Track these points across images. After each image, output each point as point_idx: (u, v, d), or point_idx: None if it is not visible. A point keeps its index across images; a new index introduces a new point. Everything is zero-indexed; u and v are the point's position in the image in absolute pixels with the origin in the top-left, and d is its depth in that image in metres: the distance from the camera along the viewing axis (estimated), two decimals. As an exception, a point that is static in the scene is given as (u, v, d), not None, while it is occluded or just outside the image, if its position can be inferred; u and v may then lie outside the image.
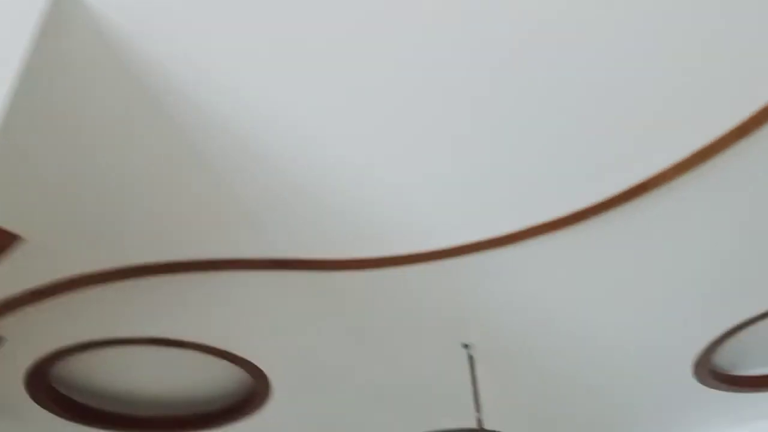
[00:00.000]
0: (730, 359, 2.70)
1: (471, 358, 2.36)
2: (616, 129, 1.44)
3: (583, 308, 2.17)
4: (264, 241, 1.65)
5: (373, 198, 1.58)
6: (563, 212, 1.67)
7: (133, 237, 1.59)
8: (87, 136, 1.35)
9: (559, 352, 2.42)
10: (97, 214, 1.52)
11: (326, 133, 1.39)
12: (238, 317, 2.06)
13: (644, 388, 2.72)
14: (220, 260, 1.67)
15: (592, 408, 2.86)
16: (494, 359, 2.43)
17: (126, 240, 1.60)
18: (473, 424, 2.53)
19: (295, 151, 1.42)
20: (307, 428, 2.82)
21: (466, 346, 2.34)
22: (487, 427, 2.80)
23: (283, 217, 1.59)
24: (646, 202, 1.65)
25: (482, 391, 2.54)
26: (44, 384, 2.29)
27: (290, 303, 1.99)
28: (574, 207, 1.65)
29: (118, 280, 1.70)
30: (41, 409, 2.40)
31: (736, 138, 1.46)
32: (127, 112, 1.30)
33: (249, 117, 1.32)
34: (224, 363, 2.41)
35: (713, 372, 2.66)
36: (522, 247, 1.82)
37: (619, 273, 2.00)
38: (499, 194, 1.61)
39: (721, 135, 1.45)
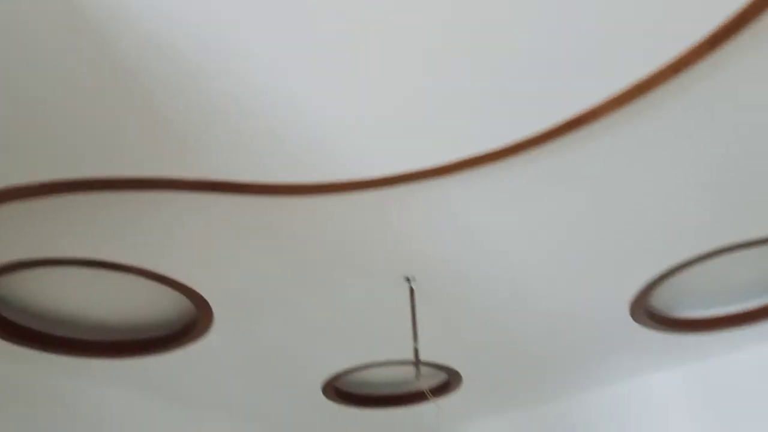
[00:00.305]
0: (667, 301, 2.77)
1: (412, 291, 2.38)
2: (556, 60, 1.41)
3: (523, 244, 2.19)
4: (194, 162, 1.61)
5: (308, 123, 1.54)
6: (503, 143, 1.66)
7: (56, 150, 1.54)
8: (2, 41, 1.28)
9: (498, 288, 2.45)
10: (17, 124, 1.46)
11: (258, 51, 1.34)
12: (175, 242, 2.03)
13: (582, 327, 2.79)
14: (150, 179, 1.63)
15: (530, 344, 2.93)
16: (435, 293, 2.45)
17: (49, 152, 1.55)
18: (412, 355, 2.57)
19: (224, 68, 1.37)
20: (249, 357, 2.84)
21: (407, 279, 2.36)
22: (424, 357, 2.86)
23: (214, 138, 1.55)
24: (582, 137, 1.64)
25: (422, 324, 2.58)
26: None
27: (226, 229, 1.97)
28: (513, 138, 1.64)
29: (44, 195, 1.66)
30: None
31: (673, 72, 1.45)
32: (45, 16, 1.23)
33: (177, 32, 1.26)
34: (166, 289, 2.39)
35: (649, 312, 2.74)
36: (463, 178, 1.81)
37: (558, 210, 2.01)
38: (438, 123, 1.59)
39: (657, 69, 1.43)
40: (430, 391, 3.41)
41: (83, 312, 2.54)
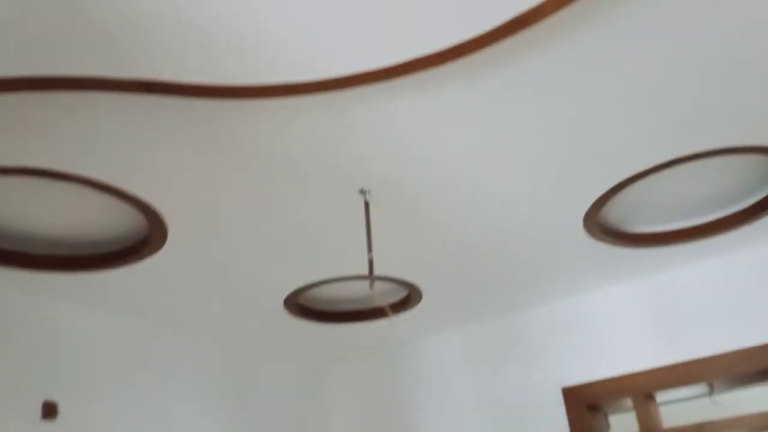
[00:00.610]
0: (620, 215, 2.82)
1: (367, 205, 2.38)
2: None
3: (475, 157, 2.19)
4: (127, 61, 1.55)
5: (254, 21, 1.49)
6: (446, 45, 1.62)
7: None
8: None
9: (452, 202, 2.46)
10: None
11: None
12: (121, 150, 1.98)
13: (537, 241, 2.84)
14: (83, 78, 1.57)
15: (486, 258, 2.98)
16: (391, 207, 2.46)
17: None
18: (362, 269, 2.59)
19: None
20: (207, 272, 2.84)
21: (362, 192, 2.36)
22: (382, 272, 2.89)
23: (150, 36, 1.49)
24: (528, 39, 1.61)
25: (377, 239, 2.59)
26: None
27: (172, 136, 1.92)
28: (458, 39, 1.60)
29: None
30: None
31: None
32: None
33: None
34: (118, 203, 2.36)
35: (603, 227, 2.78)
36: (410, 83, 1.78)
37: (507, 121, 2.00)
38: (387, 23, 1.54)
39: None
40: (391, 306, 3.47)
41: (36, 227, 2.50)
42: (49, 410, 2.81)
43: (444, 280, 3.18)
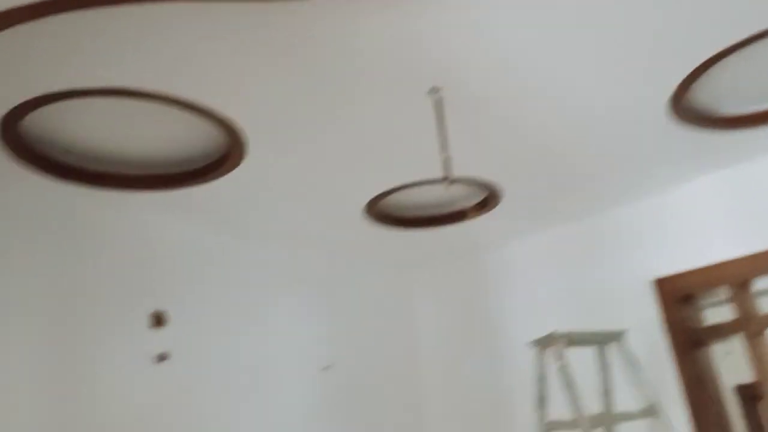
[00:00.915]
0: (706, 100, 2.65)
1: (439, 103, 2.35)
2: None
3: (552, 49, 2.08)
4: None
5: None
6: None
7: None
8: None
9: (530, 98, 2.38)
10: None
11: None
12: (197, 64, 2.02)
13: (621, 133, 2.72)
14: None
15: (566, 161, 2.90)
16: (464, 105, 2.41)
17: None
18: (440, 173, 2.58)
19: None
20: (287, 183, 2.92)
21: (434, 90, 2.32)
22: (459, 173, 2.86)
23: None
24: None
25: (452, 142, 2.56)
26: (17, 139, 2.35)
27: (245, 46, 1.94)
28: None
29: (54, 13, 1.66)
30: (17, 165, 2.49)
31: None
32: None
33: None
34: (200, 119, 2.44)
35: (688, 111, 2.63)
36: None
37: (585, 10, 1.89)
38: None
39: None
40: (472, 208, 3.48)
41: (126, 148, 2.63)
42: (157, 320, 3.05)
43: (524, 182, 3.13)
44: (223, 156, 2.68)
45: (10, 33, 1.75)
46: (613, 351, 3.16)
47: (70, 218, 2.87)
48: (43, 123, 2.40)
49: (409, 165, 2.86)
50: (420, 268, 4.48)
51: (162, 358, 2.99)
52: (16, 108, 2.17)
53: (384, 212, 3.49)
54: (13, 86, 2.06)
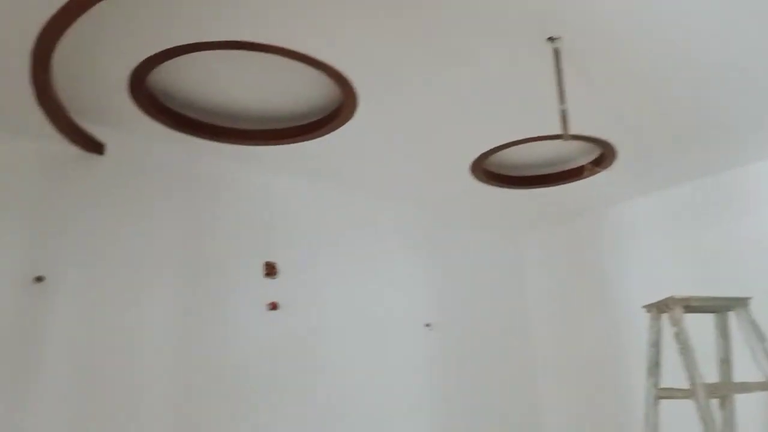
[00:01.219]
0: None
1: (557, 52, 2.25)
2: None
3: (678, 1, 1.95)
4: None
5: None
6: None
7: None
8: None
9: (654, 47, 2.24)
10: None
11: None
12: (311, 18, 2.05)
13: (754, 84, 2.51)
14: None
15: (689, 118, 2.73)
16: (583, 56, 2.30)
17: None
18: (557, 127, 2.46)
19: None
20: (397, 137, 2.92)
21: (551, 39, 2.22)
22: (574, 131, 2.73)
23: None
24: None
25: (570, 93, 2.44)
26: (144, 92, 2.47)
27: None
28: None
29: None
30: (143, 117, 2.61)
31: None
32: None
33: None
34: (312, 74, 2.46)
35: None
36: None
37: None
38: None
39: None
40: (585, 166, 3.35)
41: (232, 99, 2.71)
42: (270, 269, 3.16)
43: (643, 138, 2.97)
44: (336, 110, 2.71)
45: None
46: (734, 319, 2.97)
47: (195, 171, 3.02)
48: (168, 78, 2.51)
49: (522, 119, 2.78)
50: (529, 228, 4.39)
51: (274, 306, 3.11)
52: (143, 63, 2.27)
53: (492, 170, 3.43)
54: (140, 41, 2.15)
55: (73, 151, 2.65)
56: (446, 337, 3.78)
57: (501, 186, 3.50)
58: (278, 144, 2.90)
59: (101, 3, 1.82)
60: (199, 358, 2.80)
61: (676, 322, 2.63)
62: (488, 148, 3.06)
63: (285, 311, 3.14)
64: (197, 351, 2.80)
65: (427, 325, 3.71)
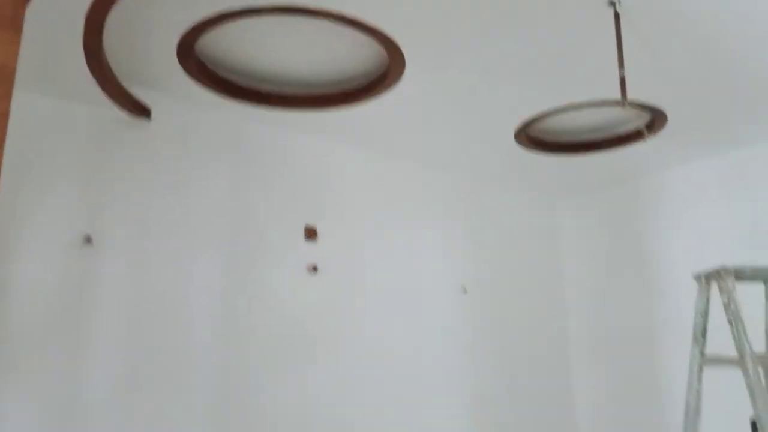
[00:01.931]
0: None
1: (617, 16, 2.18)
2: None
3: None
4: None
5: None
6: None
7: None
8: None
9: (714, 14, 2.15)
10: None
11: None
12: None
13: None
14: None
15: (749, 76, 2.63)
16: (641, 19, 2.22)
17: None
18: (615, 92, 2.41)
19: None
20: (439, 105, 2.87)
21: (612, 3, 2.15)
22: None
23: None
24: None
25: (627, 58, 2.38)
26: (192, 58, 2.45)
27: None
28: None
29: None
30: (190, 82, 2.60)
31: None
32: None
33: None
34: (358, 38, 2.42)
35: None
36: None
37: None
38: None
39: None
40: (636, 133, 3.27)
41: (286, 67, 2.68)
42: (310, 233, 3.18)
43: (695, 103, 2.88)
44: (381, 76, 2.66)
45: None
46: (784, 289, 2.92)
47: (239, 136, 3.02)
48: (215, 45, 2.48)
49: (574, 84, 2.71)
50: (568, 194, 4.34)
51: (314, 268, 3.14)
52: (192, 29, 2.24)
53: (534, 136, 3.37)
54: (190, 7, 2.12)
55: (122, 116, 2.66)
56: (481, 302, 3.80)
57: (544, 152, 3.44)
58: (323, 110, 2.87)
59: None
60: (242, 317, 2.86)
61: (727, 292, 2.59)
62: (535, 114, 3.00)
63: (324, 274, 3.17)
64: (241, 309, 2.86)
65: (464, 289, 3.72)
